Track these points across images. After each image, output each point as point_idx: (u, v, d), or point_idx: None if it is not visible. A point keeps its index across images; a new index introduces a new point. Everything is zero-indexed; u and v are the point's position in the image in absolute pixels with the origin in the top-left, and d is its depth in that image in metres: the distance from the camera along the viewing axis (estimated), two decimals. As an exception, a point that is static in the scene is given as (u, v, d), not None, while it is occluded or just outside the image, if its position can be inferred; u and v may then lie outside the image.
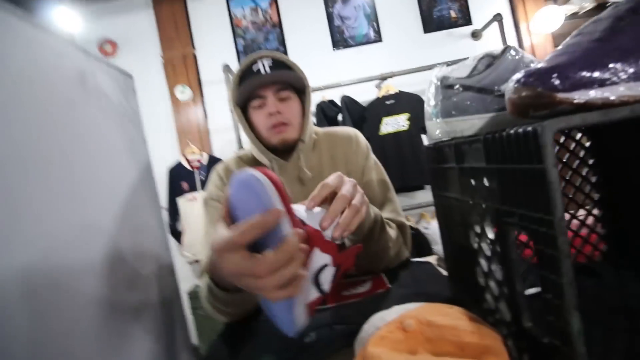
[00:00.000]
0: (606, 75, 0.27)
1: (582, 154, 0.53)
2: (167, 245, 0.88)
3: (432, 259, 0.78)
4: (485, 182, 0.35)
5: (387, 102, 2.07)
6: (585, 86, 0.26)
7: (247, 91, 0.76)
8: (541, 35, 2.22)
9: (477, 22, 2.27)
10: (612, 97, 0.26)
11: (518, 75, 0.30)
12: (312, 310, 0.38)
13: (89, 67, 0.67)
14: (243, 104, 0.80)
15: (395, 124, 2.06)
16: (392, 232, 0.68)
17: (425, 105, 0.47)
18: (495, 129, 0.41)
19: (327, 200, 0.43)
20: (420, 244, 1.93)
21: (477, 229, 0.39)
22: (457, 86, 0.43)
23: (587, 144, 0.53)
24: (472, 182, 0.38)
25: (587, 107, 0.27)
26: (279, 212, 0.32)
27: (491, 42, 2.24)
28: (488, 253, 0.37)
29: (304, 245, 0.34)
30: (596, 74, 0.27)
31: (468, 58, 0.46)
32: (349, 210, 0.42)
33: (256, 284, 0.33)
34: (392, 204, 0.77)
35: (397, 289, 0.60)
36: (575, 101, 0.26)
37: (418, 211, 2.16)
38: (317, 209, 0.42)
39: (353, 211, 0.42)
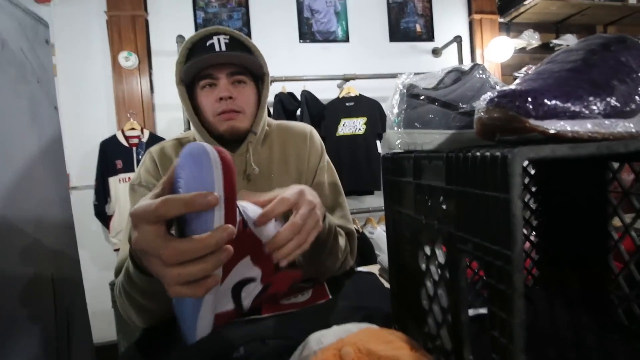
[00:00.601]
0: (578, 108, 0.25)
1: (526, 180, 0.55)
2: (70, 227, 0.75)
3: (375, 269, 0.77)
4: (442, 203, 0.33)
5: (347, 104, 2.07)
6: (558, 116, 0.25)
7: (196, 68, 0.67)
8: (492, 62, 2.39)
9: (439, 40, 2.37)
10: (582, 131, 0.25)
11: (491, 95, 0.28)
12: (222, 322, 0.34)
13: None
14: (189, 82, 0.71)
15: (352, 126, 2.07)
16: (342, 241, 0.66)
17: (387, 112, 0.44)
18: (455, 147, 0.40)
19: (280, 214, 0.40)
20: (364, 249, 1.97)
21: (427, 250, 0.37)
22: (422, 97, 0.41)
23: (532, 172, 0.54)
24: (428, 200, 0.36)
25: (557, 138, 0.25)
26: (214, 198, 0.29)
27: (449, 61, 2.35)
28: (436, 277, 0.36)
29: (229, 247, 0.30)
30: (568, 105, 0.25)
31: (432, 72, 0.45)
32: (295, 240, 0.40)
33: (160, 269, 0.29)
34: (342, 209, 0.75)
35: (338, 300, 0.58)
36: (549, 131, 0.24)
37: (365, 215, 2.19)
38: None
39: (298, 242, 0.40)
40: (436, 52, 2.38)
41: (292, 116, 2.02)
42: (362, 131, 2.07)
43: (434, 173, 0.35)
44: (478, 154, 0.27)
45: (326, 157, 0.80)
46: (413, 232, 0.40)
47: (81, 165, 2.01)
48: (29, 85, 0.63)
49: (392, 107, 0.44)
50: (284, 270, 0.39)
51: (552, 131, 0.25)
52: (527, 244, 0.54)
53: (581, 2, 2.23)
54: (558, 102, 0.25)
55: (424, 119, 0.40)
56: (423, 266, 0.38)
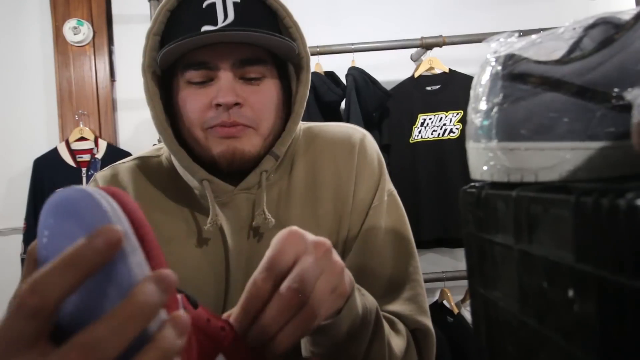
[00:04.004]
0: None
1: None
2: None
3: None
4: (574, 299, 0.29)
5: (429, 88, 2.07)
6: None
7: (180, 50, 0.67)
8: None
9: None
10: None
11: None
12: None
13: None
14: (167, 69, 0.73)
15: (438, 125, 2.05)
16: (399, 342, 0.66)
17: (469, 111, 0.44)
18: (607, 175, 0.37)
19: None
20: (462, 342, 1.93)
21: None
22: (534, 78, 0.39)
23: None
24: (546, 288, 0.32)
25: None
26: (116, 233, 0.29)
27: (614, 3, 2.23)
28: None
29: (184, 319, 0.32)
30: None
31: (563, 26, 0.43)
32: (291, 324, 0.44)
33: None
34: (412, 284, 0.75)
35: None
36: None
37: (464, 283, 2.08)
38: None
39: (297, 324, 0.45)
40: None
41: (331, 112, 2.05)
42: (455, 134, 2.04)
43: (555, 233, 0.32)
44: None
45: (387, 184, 0.81)
46: (520, 343, 0.37)
47: (6, 197, 2.19)
48: None
49: (476, 100, 0.43)
50: None
51: None
52: None
53: None
54: None
55: (537, 122, 0.39)
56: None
